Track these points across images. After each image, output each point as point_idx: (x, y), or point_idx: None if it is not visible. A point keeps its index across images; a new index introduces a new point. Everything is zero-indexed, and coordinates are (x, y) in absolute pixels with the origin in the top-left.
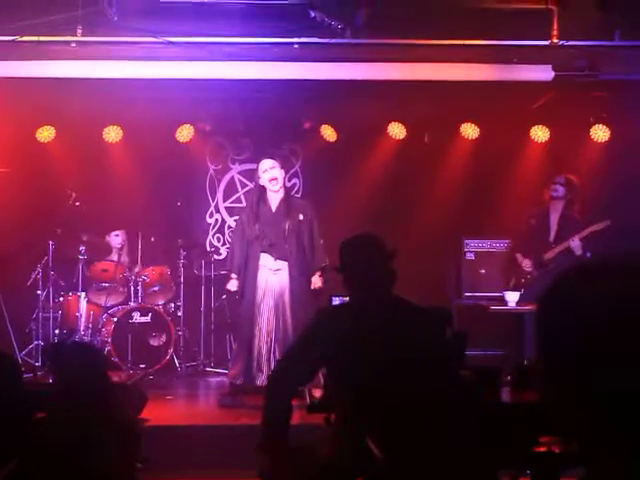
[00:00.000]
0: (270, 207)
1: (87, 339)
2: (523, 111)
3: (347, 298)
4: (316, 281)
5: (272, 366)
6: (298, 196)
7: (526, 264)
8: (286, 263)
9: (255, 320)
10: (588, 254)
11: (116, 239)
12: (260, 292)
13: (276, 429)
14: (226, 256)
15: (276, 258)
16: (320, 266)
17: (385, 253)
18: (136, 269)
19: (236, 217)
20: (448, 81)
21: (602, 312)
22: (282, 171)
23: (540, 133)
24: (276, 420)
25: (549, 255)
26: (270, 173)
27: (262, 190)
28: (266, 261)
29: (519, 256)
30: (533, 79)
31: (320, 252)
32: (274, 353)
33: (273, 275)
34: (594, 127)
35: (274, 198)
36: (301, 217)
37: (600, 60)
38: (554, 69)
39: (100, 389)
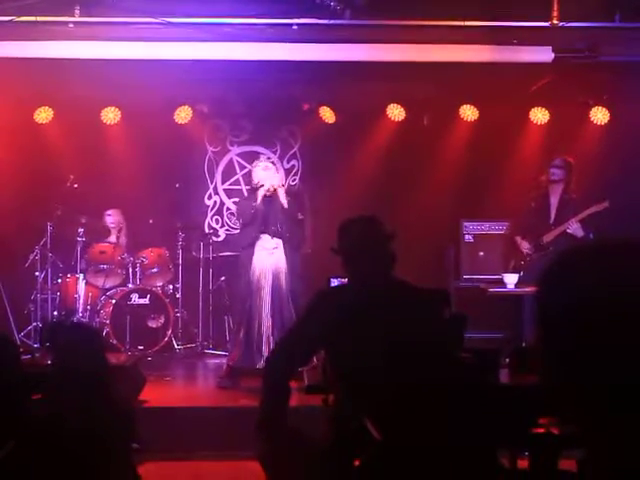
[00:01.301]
0: (266, 196)
1: (86, 320)
2: (522, 93)
3: (345, 280)
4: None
5: (271, 348)
6: (294, 184)
7: (524, 246)
8: (280, 241)
9: (253, 302)
10: (591, 235)
11: (108, 218)
12: (257, 273)
13: (274, 410)
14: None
15: (272, 236)
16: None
17: (384, 235)
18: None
19: (235, 199)
20: (447, 62)
21: (601, 292)
22: (280, 173)
23: (539, 115)
24: (274, 401)
25: (548, 238)
26: (264, 176)
27: (259, 187)
28: (264, 241)
29: (518, 239)
30: (533, 60)
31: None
32: (273, 334)
33: (269, 256)
34: (594, 109)
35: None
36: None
37: (600, 42)
38: (554, 51)
39: (98, 369)
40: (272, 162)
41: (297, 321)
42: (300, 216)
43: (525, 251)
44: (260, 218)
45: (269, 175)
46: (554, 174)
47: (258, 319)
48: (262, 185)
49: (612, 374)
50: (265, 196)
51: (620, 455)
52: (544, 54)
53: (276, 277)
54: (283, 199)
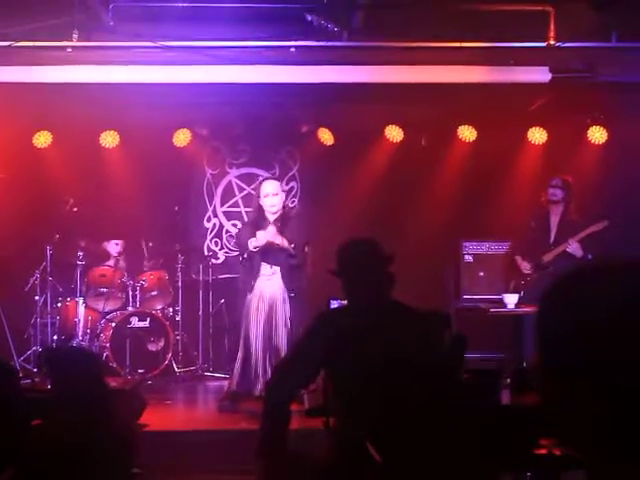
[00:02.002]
0: (268, 220)
1: (85, 344)
2: (520, 113)
3: (345, 301)
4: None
5: (269, 373)
6: (293, 207)
7: (525, 267)
8: (278, 268)
9: (250, 327)
10: (589, 256)
11: (115, 247)
12: (255, 300)
13: (275, 434)
14: (238, 257)
15: (272, 265)
16: (288, 285)
17: (382, 257)
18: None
19: (234, 221)
20: (445, 83)
21: (601, 313)
22: (283, 194)
23: (537, 135)
24: (274, 425)
25: (548, 257)
26: (270, 200)
27: (260, 209)
28: (264, 270)
29: (518, 258)
30: (530, 81)
31: (299, 277)
32: (270, 360)
33: (267, 281)
34: (591, 129)
35: (272, 215)
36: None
37: (597, 61)
38: (551, 71)
39: (97, 394)
40: (276, 179)
41: (297, 343)
42: (306, 249)
43: (525, 271)
44: (259, 254)
45: (274, 188)
46: (554, 195)
47: (255, 344)
48: (267, 196)
49: (612, 392)
50: (267, 226)
51: (621, 475)
52: (541, 74)
53: (273, 303)
54: (281, 241)
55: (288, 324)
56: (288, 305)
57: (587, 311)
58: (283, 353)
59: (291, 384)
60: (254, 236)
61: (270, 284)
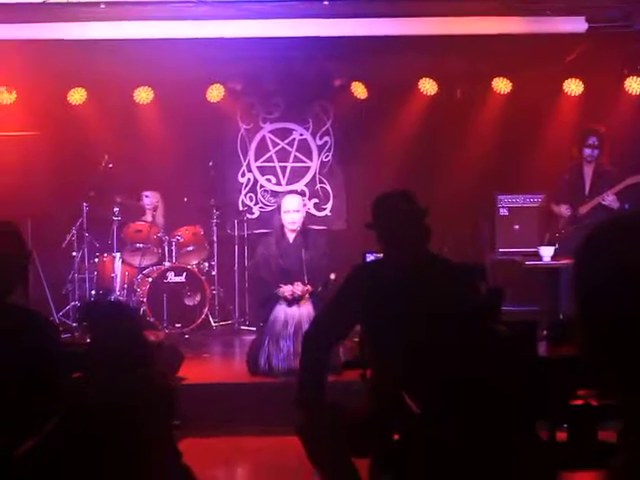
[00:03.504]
0: (288, 240)
1: (123, 299)
2: (556, 64)
3: (381, 255)
4: (298, 284)
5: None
6: (314, 228)
7: (564, 211)
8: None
9: (271, 353)
10: (627, 207)
11: (146, 200)
12: (279, 324)
13: (313, 385)
14: (260, 285)
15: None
16: (314, 286)
17: (418, 209)
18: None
19: (268, 176)
20: (480, 35)
21: (638, 263)
22: (304, 211)
23: (573, 86)
24: (313, 376)
25: (583, 210)
26: (291, 216)
27: (281, 227)
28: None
29: (554, 206)
30: (566, 31)
31: (321, 278)
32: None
33: (295, 306)
34: (628, 79)
35: (292, 232)
36: (315, 249)
37: (634, 10)
38: (587, 20)
39: (136, 348)
40: (300, 194)
41: (334, 297)
42: (332, 276)
43: (565, 214)
44: (283, 269)
45: (296, 204)
46: (591, 155)
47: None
48: (287, 212)
49: None
50: (288, 246)
51: None
52: (578, 24)
53: (299, 325)
54: (303, 290)
55: None
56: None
57: (625, 260)
58: None
59: (328, 335)
60: (275, 258)
61: (295, 308)
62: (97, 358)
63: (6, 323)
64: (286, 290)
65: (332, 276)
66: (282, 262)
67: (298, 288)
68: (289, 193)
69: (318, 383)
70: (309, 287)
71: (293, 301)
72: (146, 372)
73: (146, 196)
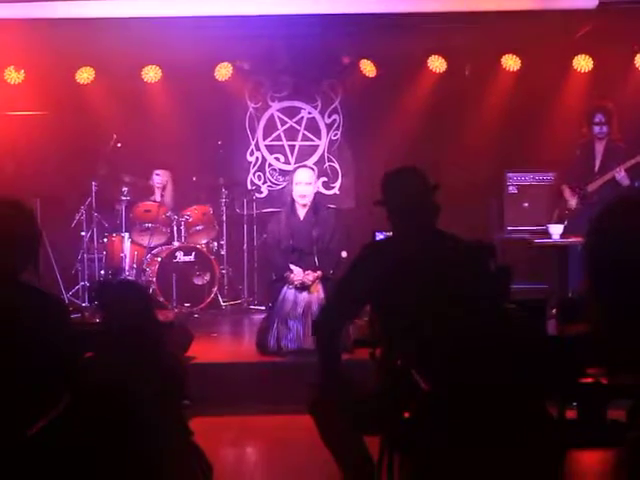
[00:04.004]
0: (299, 217)
1: (129, 278)
2: (566, 40)
3: (390, 233)
4: (308, 273)
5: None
6: (326, 207)
7: (571, 200)
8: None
9: (280, 333)
10: (637, 184)
11: (157, 178)
12: (288, 305)
13: (327, 366)
14: (267, 268)
15: (305, 269)
16: (326, 271)
17: (427, 186)
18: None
19: (276, 155)
20: (488, 11)
21: None
22: (315, 185)
23: (583, 63)
24: (327, 355)
25: (592, 187)
26: (302, 188)
27: (292, 202)
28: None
29: (566, 190)
30: (576, 7)
31: (332, 261)
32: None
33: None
34: (638, 55)
35: (302, 208)
36: (326, 227)
37: None
38: None
39: (147, 327)
40: (312, 168)
41: (344, 276)
42: (344, 254)
43: (570, 202)
44: (292, 247)
45: (308, 177)
46: (600, 132)
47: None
48: (299, 184)
49: None
50: (298, 223)
51: None
52: (588, 0)
53: (308, 307)
54: (313, 278)
55: None
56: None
57: (636, 237)
58: None
59: (340, 317)
60: (286, 234)
61: (307, 293)
62: (109, 337)
63: (18, 302)
64: (296, 279)
65: (344, 254)
66: (293, 241)
67: (308, 277)
68: (302, 167)
69: (333, 362)
70: (319, 273)
71: (303, 288)
72: (157, 351)
73: (157, 174)
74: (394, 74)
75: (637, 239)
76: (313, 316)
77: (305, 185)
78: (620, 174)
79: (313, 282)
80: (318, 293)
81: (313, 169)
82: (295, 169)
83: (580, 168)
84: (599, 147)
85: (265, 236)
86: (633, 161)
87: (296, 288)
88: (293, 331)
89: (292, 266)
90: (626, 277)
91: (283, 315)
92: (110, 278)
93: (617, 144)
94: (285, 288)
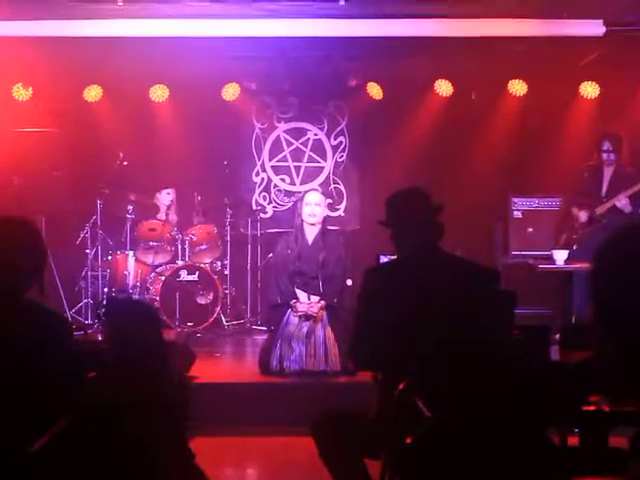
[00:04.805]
0: (307, 240)
1: (136, 297)
2: (572, 67)
3: (394, 257)
4: (311, 305)
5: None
6: (334, 229)
7: (582, 216)
8: (317, 297)
9: (283, 354)
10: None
11: (167, 197)
12: (292, 327)
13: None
14: (273, 290)
15: (310, 294)
16: (330, 300)
17: (432, 206)
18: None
19: (282, 176)
20: (496, 37)
21: None
22: (325, 210)
23: (590, 89)
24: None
25: (600, 210)
26: (311, 209)
27: (301, 224)
28: (300, 298)
29: (575, 209)
30: (583, 34)
31: (337, 289)
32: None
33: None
34: None
35: (311, 231)
36: (334, 253)
37: None
38: (605, 24)
39: (154, 346)
40: (321, 192)
41: (359, 311)
42: (349, 282)
43: (582, 220)
44: (299, 271)
45: (318, 199)
46: (608, 159)
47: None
48: (308, 204)
49: None
50: (307, 248)
51: None
52: (595, 27)
53: (312, 330)
54: (318, 310)
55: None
56: (329, 327)
57: None
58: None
59: (375, 347)
60: (293, 257)
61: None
62: (112, 356)
63: (21, 319)
64: (300, 309)
65: (349, 282)
66: (299, 264)
67: (313, 309)
68: (311, 190)
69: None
70: (323, 304)
71: (307, 317)
72: (161, 371)
73: (167, 193)
74: (400, 97)
75: None
76: (316, 340)
77: (315, 205)
78: (622, 202)
79: (317, 313)
80: (322, 320)
81: (322, 192)
82: (304, 192)
83: (587, 190)
84: (607, 172)
85: (271, 256)
86: (636, 188)
87: (300, 317)
88: (296, 352)
89: (298, 292)
90: (632, 305)
91: (286, 336)
92: (118, 295)
93: (625, 169)
94: (289, 311)
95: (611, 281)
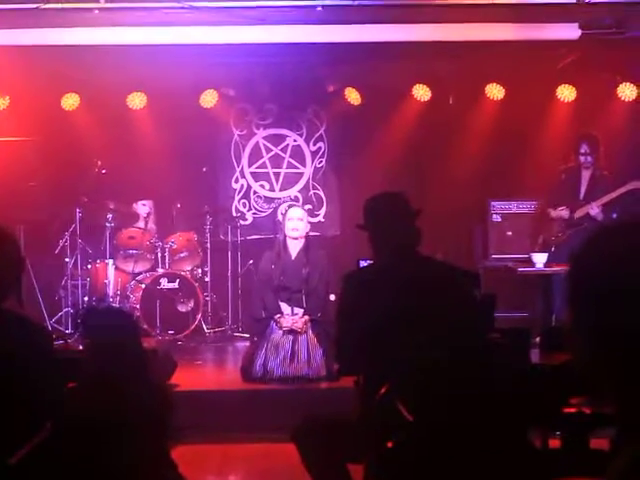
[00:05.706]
0: (290, 255)
1: (116, 306)
2: (549, 70)
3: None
4: (296, 321)
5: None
6: (315, 236)
7: (564, 213)
8: (302, 310)
9: (268, 357)
10: (614, 216)
11: (143, 208)
12: (276, 335)
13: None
14: (257, 305)
15: (293, 307)
16: (314, 314)
17: (409, 210)
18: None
19: (262, 182)
20: (473, 41)
21: (633, 267)
22: (307, 225)
23: (566, 92)
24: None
25: (579, 214)
26: (294, 224)
27: (284, 239)
28: (285, 311)
29: (551, 210)
30: (559, 38)
31: (320, 304)
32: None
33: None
34: (621, 85)
35: (294, 245)
36: (316, 268)
37: (627, 17)
38: (580, 27)
39: (134, 355)
40: (302, 208)
41: (340, 317)
42: (332, 297)
43: (563, 217)
44: (283, 285)
45: (300, 214)
46: (586, 161)
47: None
48: (291, 219)
49: None
50: (290, 262)
51: None
52: (570, 31)
53: (294, 341)
54: (302, 325)
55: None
56: (313, 335)
57: (620, 267)
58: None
59: (358, 349)
60: (277, 271)
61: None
62: (92, 366)
63: (1, 330)
64: (285, 324)
65: (332, 297)
66: (283, 278)
67: (297, 325)
68: (293, 206)
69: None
70: (307, 318)
71: (290, 332)
72: (142, 380)
73: (143, 204)
74: (379, 102)
75: (621, 266)
76: (300, 346)
77: (297, 220)
78: (594, 210)
79: (302, 328)
80: (307, 333)
81: (304, 209)
82: (287, 208)
83: (565, 192)
84: (585, 175)
85: (251, 262)
86: (607, 198)
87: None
88: (281, 355)
89: (282, 305)
90: (610, 304)
91: (270, 344)
92: (96, 305)
93: (603, 173)
94: (273, 323)
95: (589, 283)
